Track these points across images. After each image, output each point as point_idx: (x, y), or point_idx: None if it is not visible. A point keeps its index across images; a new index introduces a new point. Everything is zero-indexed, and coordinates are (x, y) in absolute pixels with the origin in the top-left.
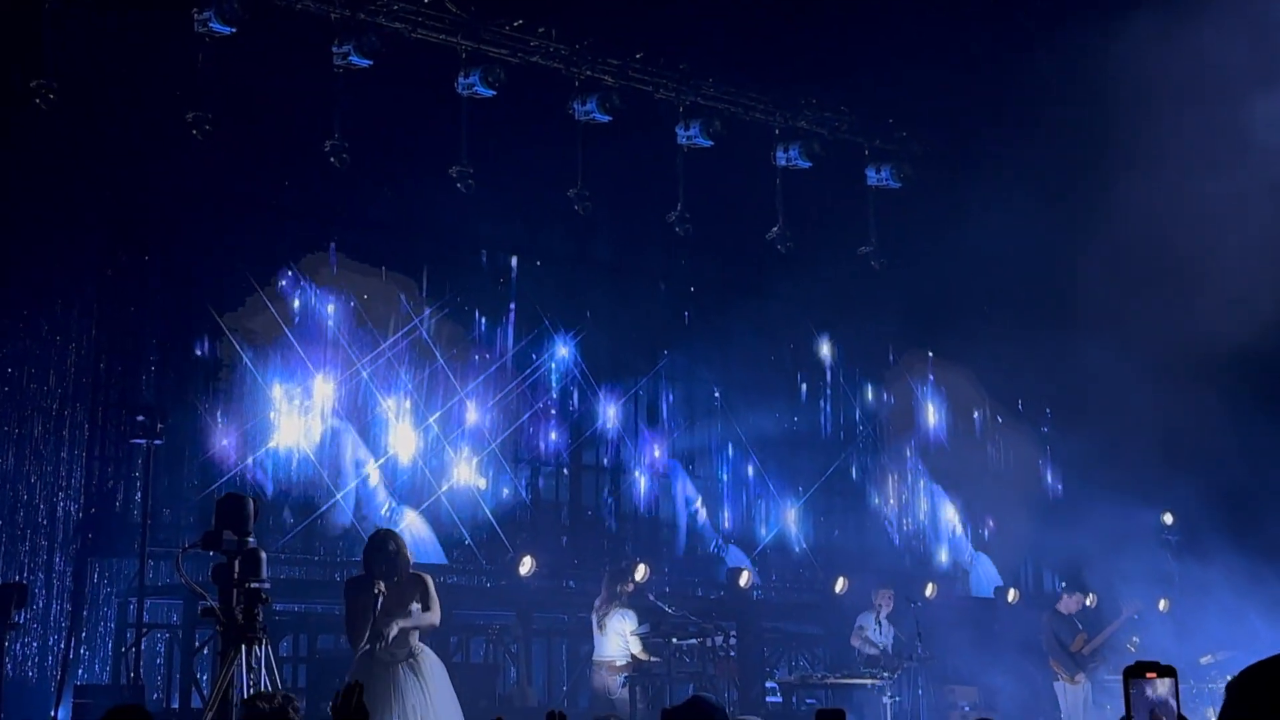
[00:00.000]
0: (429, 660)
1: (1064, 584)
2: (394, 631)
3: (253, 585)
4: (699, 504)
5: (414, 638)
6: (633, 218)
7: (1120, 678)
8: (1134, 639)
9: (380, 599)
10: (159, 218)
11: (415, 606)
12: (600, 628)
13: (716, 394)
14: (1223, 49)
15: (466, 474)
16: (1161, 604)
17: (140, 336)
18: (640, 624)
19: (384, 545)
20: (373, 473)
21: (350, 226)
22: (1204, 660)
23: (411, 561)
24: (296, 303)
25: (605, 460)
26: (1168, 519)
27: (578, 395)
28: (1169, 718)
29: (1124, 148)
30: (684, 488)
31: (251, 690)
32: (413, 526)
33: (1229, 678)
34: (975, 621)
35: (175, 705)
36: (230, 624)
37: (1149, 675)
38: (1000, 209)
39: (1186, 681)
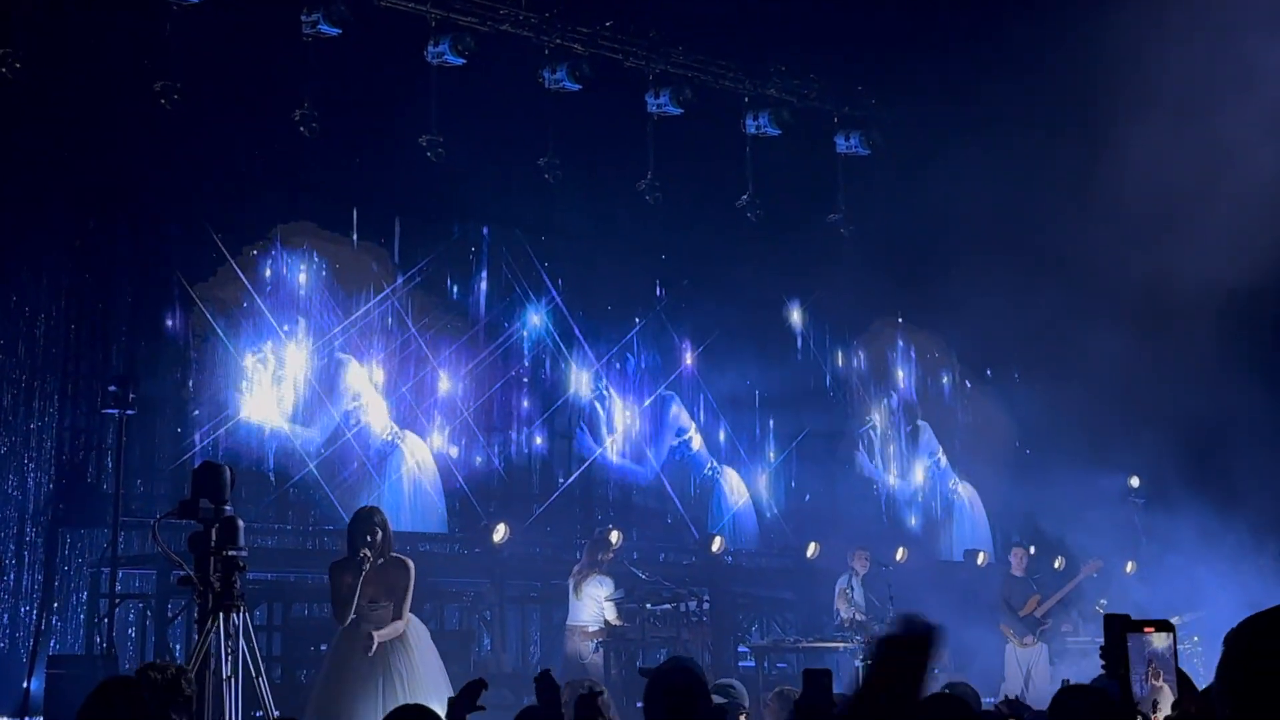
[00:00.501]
0: (413, 627)
1: (1013, 542)
2: (373, 647)
3: (230, 553)
4: (692, 431)
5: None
6: (603, 186)
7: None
8: (1102, 601)
9: (365, 571)
10: (128, 188)
11: (386, 608)
12: (576, 592)
13: (687, 361)
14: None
15: (439, 443)
16: (1129, 566)
17: (110, 307)
18: (615, 590)
19: (369, 520)
20: (347, 441)
21: (320, 196)
22: (1174, 620)
23: (393, 542)
24: (267, 272)
25: (577, 427)
26: (1134, 482)
27: (550, 363)
28: (1167, 671)
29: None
30: (676, 418)
31: (230, 660)
32: (384, 494)
33: (1195, 638)
34: (945, 584)
35: None
36: (208, 592)
37: (1146, 630)
38: (967, 173)
39: None
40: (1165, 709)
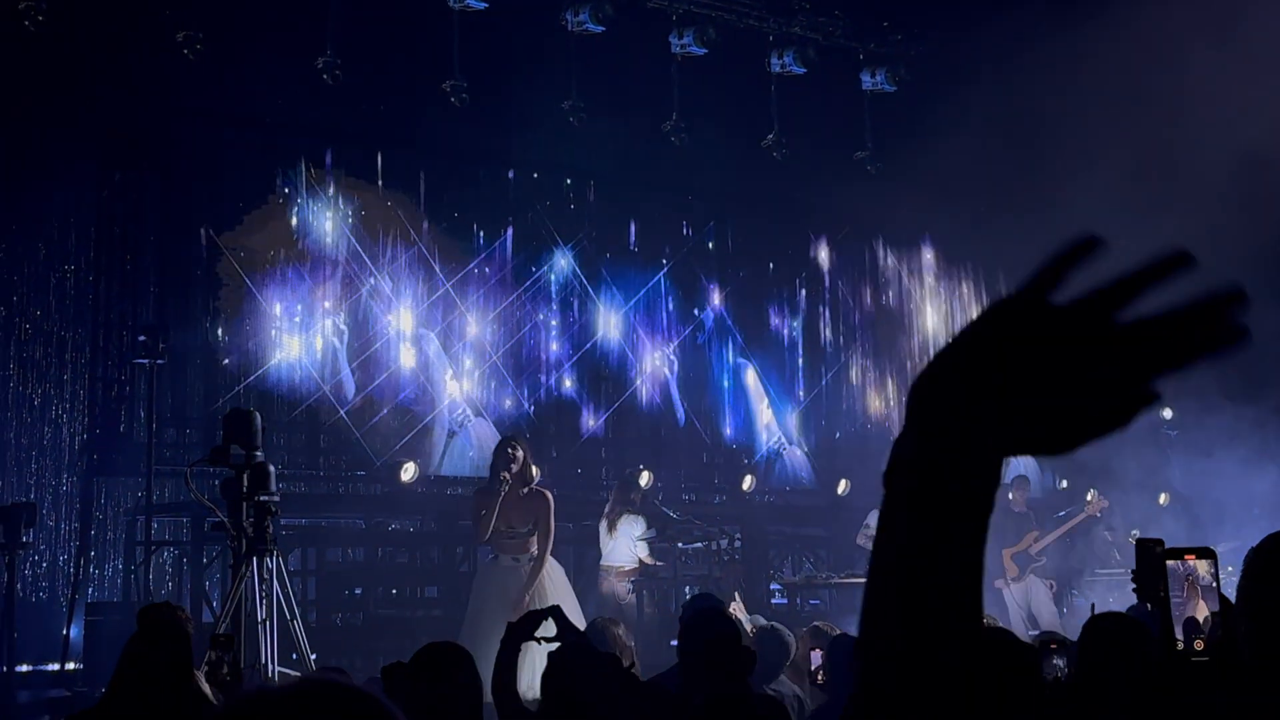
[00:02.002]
0: (553, 572)
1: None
2: (522, 604)
3: (262, 499)
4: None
5: (533, 545)
6: (628, 128)
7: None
8: (1134, 533)
9: (503, 495)
10: (153, 138)
11: (523, 537)
12: (610, 532)
13: (716, 301)
14: None
15: (467, 386)
16: (1162, 498)
17: (139, 257)
18: (648, 529)
19: (505, 447)
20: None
21: (345, 143)
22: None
23: (535, 473)
24: (294, 220)
25: (607, 369)
26: (1167, 414)
27: (578, 305)
28: (1210, 600)
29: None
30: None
31: (264, 604)
32: (415, 439)
33: (1229, 568)
34: None
35: None
36: (240, 538)
37: (1188, 558)
38: (996, 107)
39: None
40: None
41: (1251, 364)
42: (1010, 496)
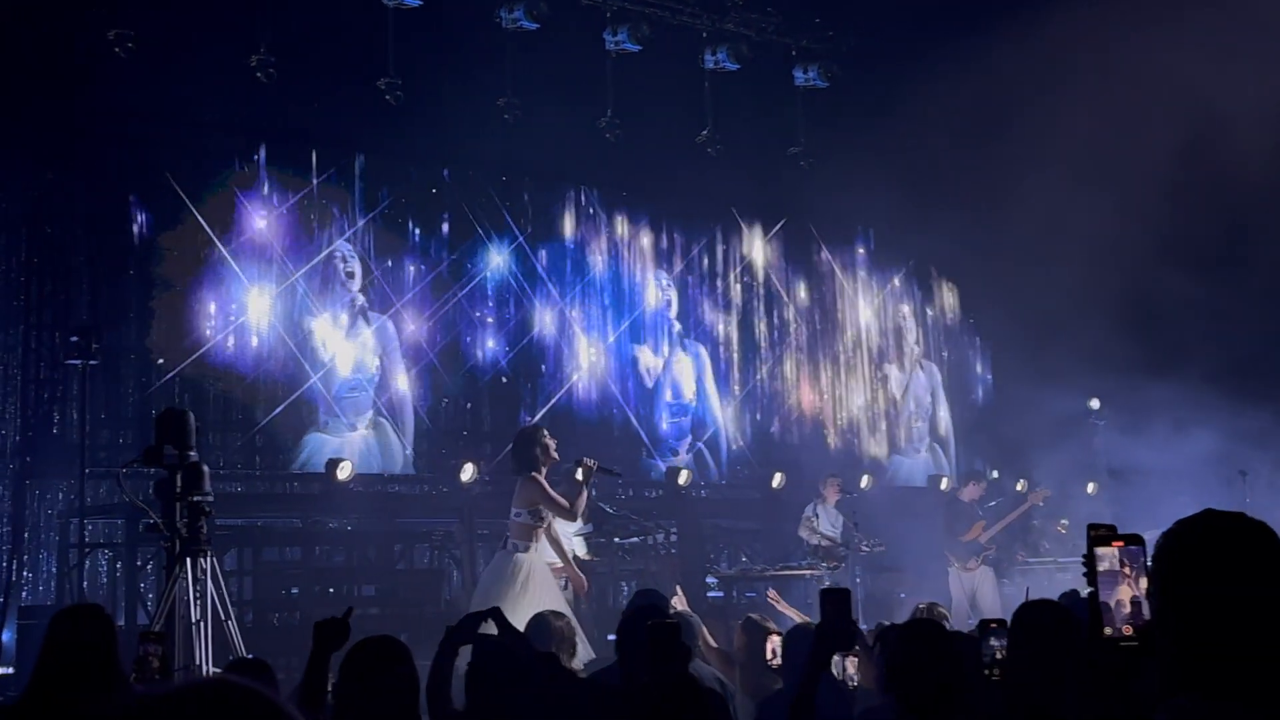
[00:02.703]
0: (540, 558)
1: (972, 471)
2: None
3: (196, 499)
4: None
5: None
6: (563, 125)
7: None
8: (1063, 521)
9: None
10: (86, 136)
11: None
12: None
13: (652, 296)
14: None
15: (404, 384)
16: (1090, 487)
17: (71, 256)
18: (584, 524)
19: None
20: (313, 385)
21: (280, 140)
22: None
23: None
24: (229, 218)
25: (544, 366)
26: (1094, 404)
27: (514, 303)
28: (1139, 582)
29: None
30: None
31: (199, 604)
32: (352, 438)
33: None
34: (910, 510)
35: (122, 622)
36: (174, 538)
37: (1115, 544)
38: (928, 102)
39: None
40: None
41: (1175, 338)
42: (964, 488)
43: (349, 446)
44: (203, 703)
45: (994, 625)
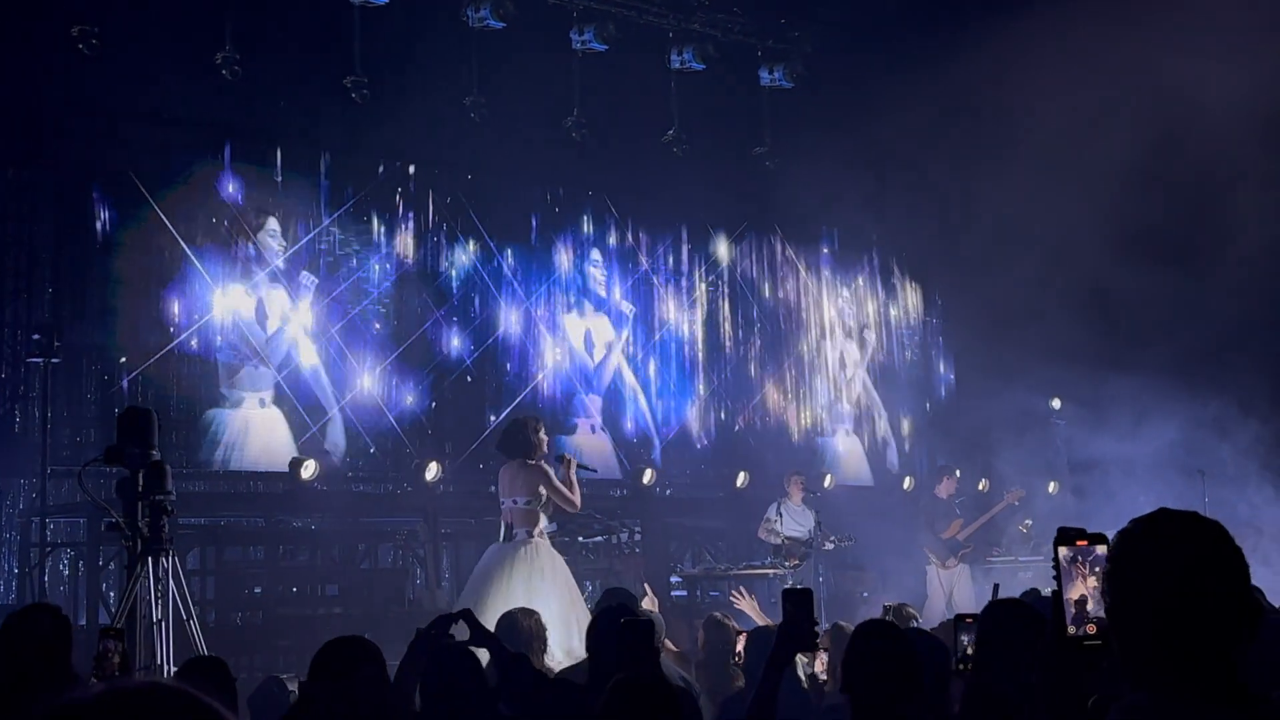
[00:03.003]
0: (547, 546)
1: (940, 466)
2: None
3: (157, 498)
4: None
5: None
6: (529, 124)
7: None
8: (1026, 521)
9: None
10: (49, 133)
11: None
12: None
13: (616, 296)
14: None
15: (369, 382)
16: (1051, 486)
17: (33, 254)
18: (548, 523)
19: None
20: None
21: (246, 138)
22: None
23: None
24: (191, 215)
25: (509, 364)
26: (1056, 404)
27: (479, 300)
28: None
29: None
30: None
31: (160, 604)
32: (317, 433)
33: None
34: (872, 509)
35: (83, 622)
36: (135, 538)
37: (1079, 543)
38: (892, 102)
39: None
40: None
41: (1135, 331)
42: (939, 484)
43: (311, 444)
44: (129, 706)
45: (968, 620)
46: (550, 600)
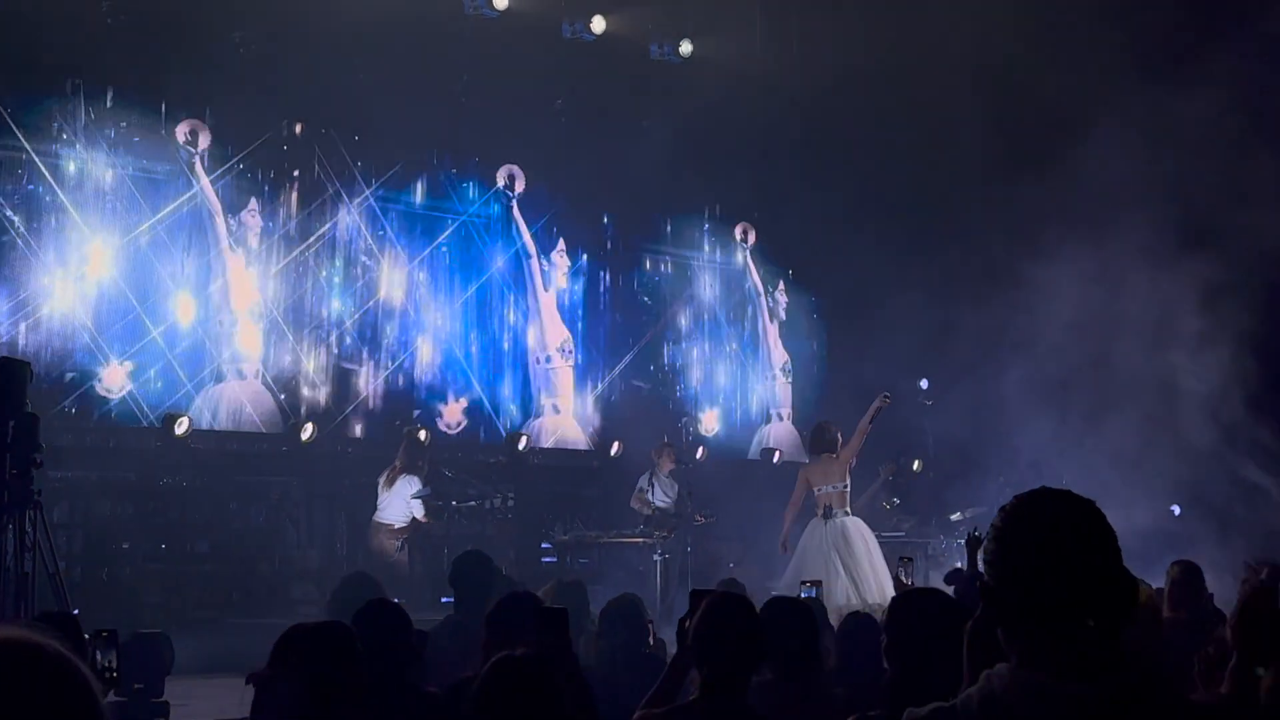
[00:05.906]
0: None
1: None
2: None
3: (27, 451)
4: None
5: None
6: (419, 87)
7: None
8: (893, 499)
9: None
10: None
11: None
12: (386, 489)
13: (499, 263)
14: None
15: (249, 342)
16: (915, 465)
17: None
18: (423, 487)
19: None
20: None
21: (128, 91)
22: (954, 517)
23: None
24: (72, 167)
25: (390, 328)
26: (924, 384)
27: (361, 264)
28: None
29: None
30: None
31: (30, 556)
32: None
33: (976, 530)
34: (743, 481)
35: None
36: (3, 490)
37: None
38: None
39: (936, 537)
40: None
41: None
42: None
43: (189, 404)
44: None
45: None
46: (862, 562)
